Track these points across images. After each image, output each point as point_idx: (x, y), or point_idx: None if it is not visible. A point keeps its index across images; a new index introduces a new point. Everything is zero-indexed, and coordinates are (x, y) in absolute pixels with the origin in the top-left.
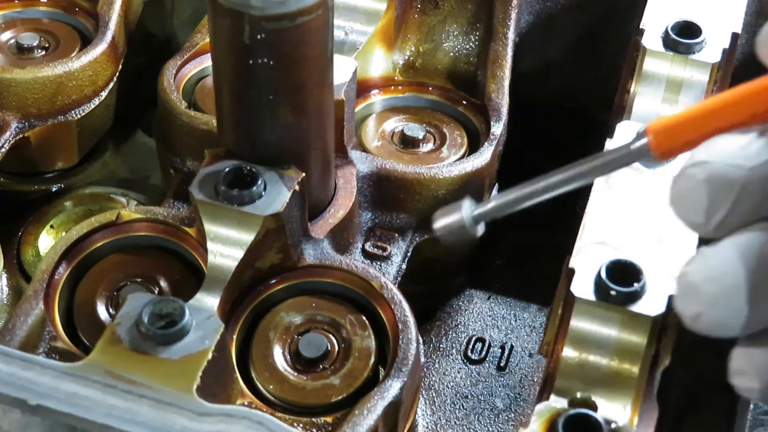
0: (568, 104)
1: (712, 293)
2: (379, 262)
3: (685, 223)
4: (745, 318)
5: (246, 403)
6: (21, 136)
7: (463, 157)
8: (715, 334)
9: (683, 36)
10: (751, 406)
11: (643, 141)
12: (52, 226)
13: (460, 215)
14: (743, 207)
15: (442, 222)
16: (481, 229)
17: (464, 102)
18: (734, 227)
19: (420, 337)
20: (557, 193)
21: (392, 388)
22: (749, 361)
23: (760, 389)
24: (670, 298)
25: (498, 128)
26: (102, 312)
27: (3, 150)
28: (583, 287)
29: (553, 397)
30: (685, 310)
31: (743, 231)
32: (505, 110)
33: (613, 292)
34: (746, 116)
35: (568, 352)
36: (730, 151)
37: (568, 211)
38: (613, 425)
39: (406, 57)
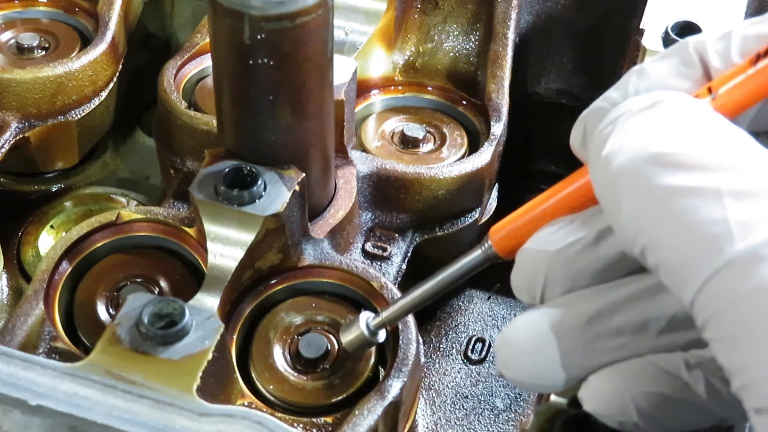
0: (569, 104)
1: (505, 355)
2: (379, 262)
3: (522, 302)
4: (548, 378)
5: (246, 404)
6: (21, 136)
7: (463, 157)
8: (526, 389)
9: (683, 36)
10: None
11: (488, 245)
12: (52, 226)
13: (360, 329)
14: (556, 283)
15: (346, 338)
16: (382, 336)
17: (464, 102)
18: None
19: (420, 337)
20: (431, 300)
21: (392, 388)
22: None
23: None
24: None
25: (498, 128)
26: (102, 312)
27: (3, 150)
28: None
29: (553, 397)
30: (495, 365)
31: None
32: (505, 110)
33: None
34: (567, 212)
35: None
36: (542, 237)
37: None
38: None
39: (406, 57)
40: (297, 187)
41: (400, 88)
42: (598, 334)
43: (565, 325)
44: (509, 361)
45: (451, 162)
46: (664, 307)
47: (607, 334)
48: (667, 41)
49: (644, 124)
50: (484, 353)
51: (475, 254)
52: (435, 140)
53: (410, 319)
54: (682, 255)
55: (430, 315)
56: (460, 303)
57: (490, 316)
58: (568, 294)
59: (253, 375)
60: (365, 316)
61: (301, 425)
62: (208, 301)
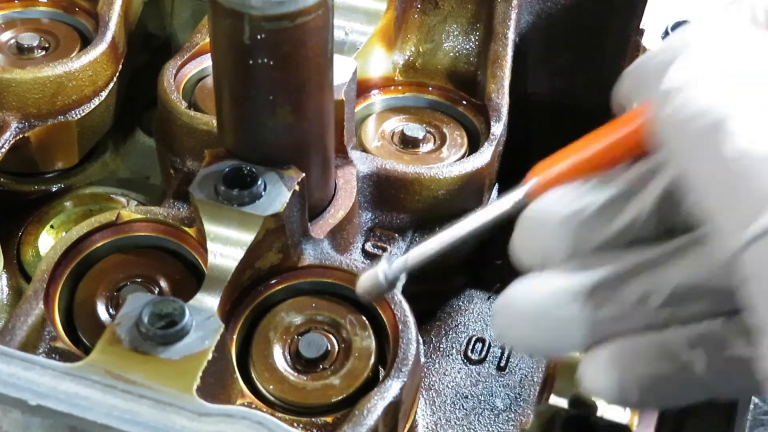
0: (569, 104)
1: (505, 316)
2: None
3: (522, 267)
4: (547, 343)
5: (246, 403)
6: (21, 136)
7: (463, 157)
8: (524, 353)
9: None
10: (751, 406)
11: (528, 186)
12: (52, 226)
13: (377, 274)
14: (560, 248)
15: (364, 286)
16: (401, 282)
17: (464, 102)
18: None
19: (420, 337)
20: (460, 243)
21: (392, 388)
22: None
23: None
24: None
25: (498, 128)
26: (102, 312)
27: (3, 150)
28: None
29: (553, 397)
30: (492, 327)
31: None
32: (505, 110)
33: None
34: (611, 160)
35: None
36: (550, 201)
37: None
38: (612, 426)
39: (406, 57)
40: (297, 187)
41: (400, 88)
42: (599, 303)
43: (568, 290)
44: (508, 324)
45: (451, 162)
46: (668, 279)
47: (609, 302)
48: None
49: (718, 71)
50: (484, 353)
51: (513, 196)
52: (435, 140)
53: (410, 319)
54: (740, 205)
55: (430, 315)
56: (460, 303)
57: (490, 316)
58: (571, 260)
59: (253, 375)
60: (383, 262)
61: (301, 425)
62: (208, 301)
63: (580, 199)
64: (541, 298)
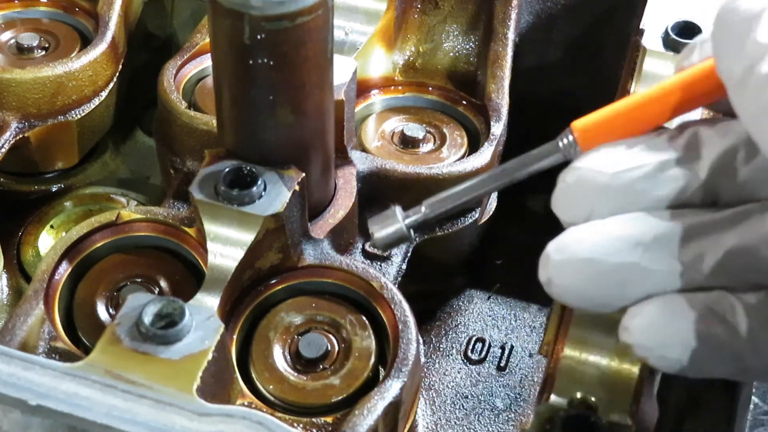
0: (569, 104)
1: (558, 260)
2: (379, 262)
3: (564, 222)
4: (598, 290)
5: (246, 403)
6: (21, 136)
7: (463, 157)
8: (571, 302)
9: (683, 36)
10: (751, 406)
11: (570, 138)
12: (52, 226)
13: (397, 222)
14: (606, 207)
15: (379, 230)
16: (414, 234)
17: (464, 102)
18: None
19: (420, 337)
20: (487, 192)
21: (392, 388)
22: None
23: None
24: None
25: (498, 128)
26: (102, 312)
27: (3, 150)
28: None
29: (553, 397)
30: (540, 275)
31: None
32: (505, 110)
33: None
34: (658, 117)
35: (568, 352)
36: (599, 158)
37: None
38: (612, 426)
39: (406, 57)
40: (297, 187)
41: (400, 88)
42: (656, 256)
43: (628, 239)
44: (561, 267)
45: (451, 162)
46: (722, 244)
47: (667, 257)
48: (667, 41)
49: None
50: (484, 353)
51: (550, 148)
52: (435, 140)
53: (410, 319)
54: None
55: (430, 315)
56: (460, 303)
57: (490, 316)
58: (629, 214)
59: (253, 375)
60: (399, 209)
61: (301, 425)
62: (208, 301)
63: (630, 159)
64: (599, 242)
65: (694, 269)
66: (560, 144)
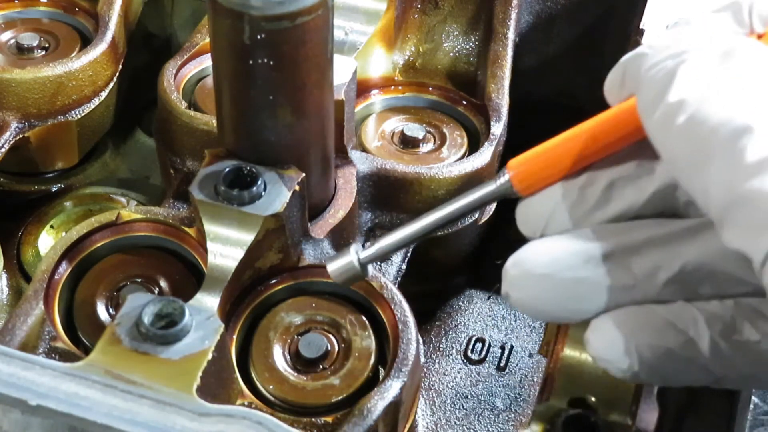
0: (569, 104)
1: (514, 275)
2: (379, 262)
3: (525, 235)
4: (554, 305)
5: (246, 403)
6: (21, 136)
7: (463, 157)
8: (529, 315)
9: None
10: (751, 406)
11: (505, 179)
12: (52, 226)
13: (350, 259)
14: (561, 221)
15: (334, 266)
16: (370, 270)
17: (464, 102)
18: None
19: (420, 337)
20: (434, 232)
21: (392, 388)
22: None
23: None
24: None
25: (498, 128)
26: (102, 312)
27: (3, 150)
28: None
29: (552, 397)
30: (501, 288)
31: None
32: (505, 110)
33: None
34: (595, 152)
35: (568, 352)
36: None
37: None
38: (612, 426)
39: (406, 57)
40: (297, 187)
41: (400, 88)
42: (611, 269)
43: (582, 253)
44: (518, 282)
45: (451, 162)
46: (678, 256)
47: (621, 270)
48: None
49: (728, 78)
50: (484, 353)
51: (487, 186)
52: (435, 140)
53: (410, 319)
54: (762, 215)
55: (430, 315)
56: (460, 303)
57: (490, 316)
58: (584, 228)
59: (253, 375)
60: (355, 248)
61: (301, 425)
62: (208, 301)
63: (581, 180)
64: (554, 257)
65: (649, 283)
66: (497, 183)
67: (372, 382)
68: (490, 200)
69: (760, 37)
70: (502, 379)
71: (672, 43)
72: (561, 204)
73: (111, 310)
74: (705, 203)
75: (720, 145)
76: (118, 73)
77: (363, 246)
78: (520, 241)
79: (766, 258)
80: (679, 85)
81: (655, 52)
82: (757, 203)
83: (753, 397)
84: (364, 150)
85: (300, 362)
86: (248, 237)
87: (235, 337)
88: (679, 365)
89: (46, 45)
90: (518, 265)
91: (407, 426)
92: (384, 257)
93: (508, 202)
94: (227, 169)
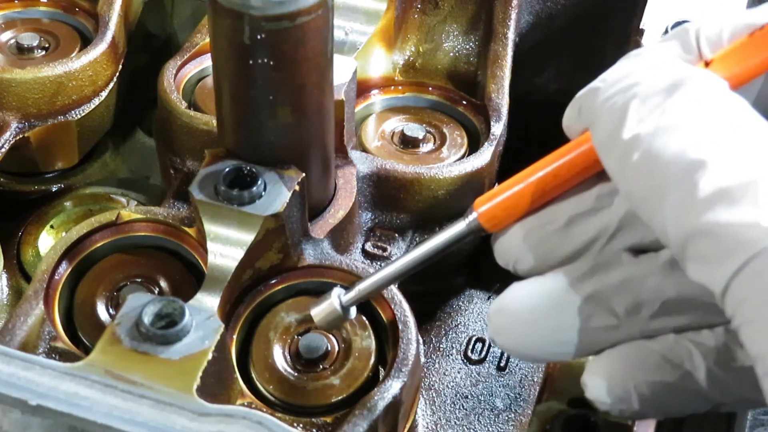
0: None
1: (497, 322)
2: (379, 262)
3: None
4: (540, 349)
5: (246, 403)
6: (21, 136)
7: (463, 157)
8: (519, 357)
9: None
10: None
11: (472, 218)
12: (52, 226)
13: (333, 305)
14: (525, 258)
15: (317, 312)
16: (353, 313)
17: (464, 102)
18: None
19: (420, 337)
20: (410, 272)
21: (392, 388)
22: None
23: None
24: None
25: (498, 128)
26: (102, 312)
27: (3, 150)
28: None
29: (553, 397)
30: (488, 333)
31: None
32: (505, 110)
33: None
34: (556, 186)
35: None
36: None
37: None
38: (612, 426)
39: (406, 57)
40: (297, 187)
41: (400, 88)
42: (591, 312)
43: (560, 301)
44: (502, 329)
45: (451, 162)
46: (658, 292)
47: (602, 313)
48: None
49: (678, 112)
50: (484, 353)
51: (458, 226)
52: (435, 140)
53: (410, 319)
54: (718, 248)
55: (430, 315)
56: (460, 303)
57: None
58: (564, 268)
59: (253, 375)
60: (337, 292)
61: (301, 425)
62: (208, 301)
63: (542, 216)
64: (534, 305)
65: (634, 320)
66: (467, 222)
67: (372, 382)
68: (462, 238)
69: (707, 64)
70: (502, 379)
71: (623, 77)
72: (523, 243)
73: (111, 310)
74: (664, 238)
75: (674, 180)
76: (118, 73)
77: (345, 289)
78: None
79: (725, 289)
80: (631, 121)
81: (606, 86)
82: (711, 236)
83: None
84: (364, 150)
85: (300, 362)
86: (248, 237)
87: (235, 337)
88: (679, 398)
89: (46, 45)
90: (501, 312)
91: (407, 426)
92: (365, 299)
93: None
94: (227, 169)
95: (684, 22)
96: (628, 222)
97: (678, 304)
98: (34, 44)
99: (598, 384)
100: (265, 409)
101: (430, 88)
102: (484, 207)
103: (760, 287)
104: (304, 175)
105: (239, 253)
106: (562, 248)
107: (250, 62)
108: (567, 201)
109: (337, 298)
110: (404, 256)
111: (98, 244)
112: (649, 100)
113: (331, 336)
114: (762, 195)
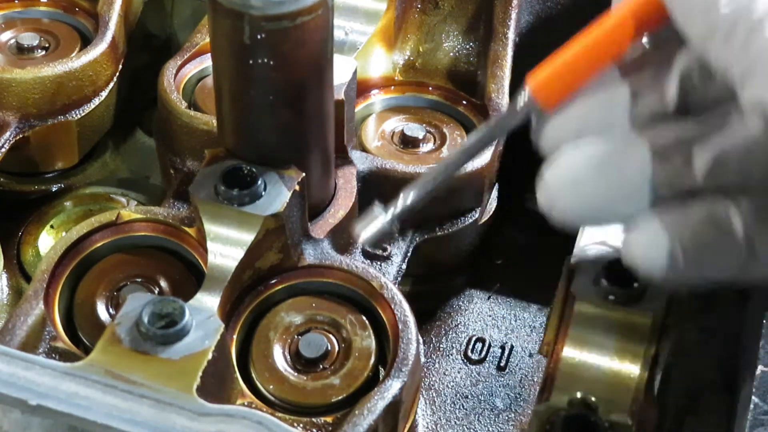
0: None
1: (554, 185)
2: (379, 262)
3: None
4: (588, 206)
5: (246, 403)
6: (21, 136)
7: None
8: (571, 221)
9: None
10: (751, 405)
11: (526, 96)
12: (52, 226)
13: (381, 220)
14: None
15: (366, 231)
16: (397, 227)
17: (464, 102)
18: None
19: (420, 337)
20: (462, 165)
21: (392, 388)
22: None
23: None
24: (670, 298)
25: None
26: (102, 312)
27: (3, 150)
28: (583, 287)
29: (553, 397)
30: (541, 204)
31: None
32: (505, 110)
33: (612, 293)
34: (614, 53)
35: (568, 352)
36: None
37: None
38: (612, 426)
39: (406, 57)
40: (297, 187)
41: (400, 88)
42: (650, 167)
43: (620, 155)
44: (560, 192)
45: None
46: (705, 151)
47: (659, 168)
48: None
49: None
50: (484, 353)
51: (510, 109)
52: (435, 140)
53: (410, 319)
54: None
55: (430, 315)
56: (460, 303)
57: (490, 316)
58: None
59: (253, 375)
60: (379, 207)
61: (301, 425)
62: (208, 300)
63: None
64: (597, 160)
65: (686, 177)
66: (519, 105)
67: (372, 382)
68: (514, 123)
69: None
70: (502, 379)
71: None
72: (591, 113)
73: (111, 310)
74: (728, 71)
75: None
76: (118, 73)
77: (384, 205)
78: (521, 241)
79: None
80: None
81: None
82: None
83: (753, 397)
84: (364, 150)
85: (300, 362)
86: (248, 237)
87: (235, 337)
88: (719, 257)
89: (46, 45)
90: (558, 174)
91: (407, 426)
92: (418, 207)
93: (507, 204)
94: (227, 169)
95: None
96: (686, 85)
97: (729, 162)
98: (34, 44)
99: (645, 242)
100: (265, 409)
101: (430, 88)
102: (537, 79)
103: None
104: (304, 174)
105: (239, 253)
106: (631, 119)
107: (250, 62)
108: (625, 77)
109: (382, 212)
110: (453, 154)
111: (98, 244)
112: None
113: (331, 336)
114: None
